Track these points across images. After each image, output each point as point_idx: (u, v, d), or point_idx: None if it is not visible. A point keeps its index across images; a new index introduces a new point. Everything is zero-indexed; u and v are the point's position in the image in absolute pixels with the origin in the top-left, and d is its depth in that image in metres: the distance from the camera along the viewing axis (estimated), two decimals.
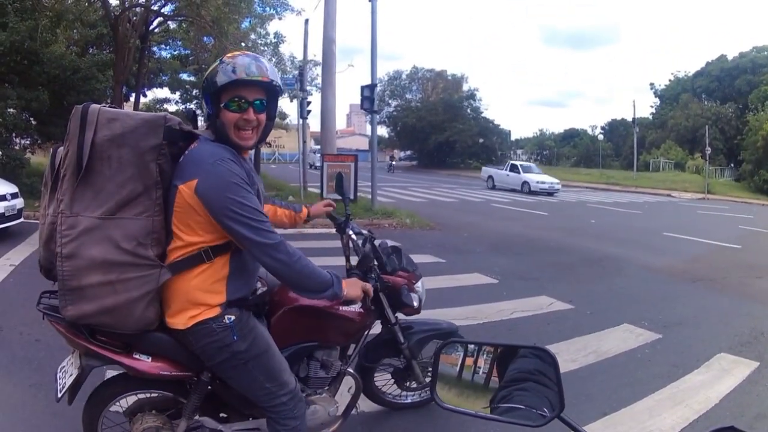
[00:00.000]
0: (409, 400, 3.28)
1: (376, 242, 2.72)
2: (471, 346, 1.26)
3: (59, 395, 2.11)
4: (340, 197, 2.98)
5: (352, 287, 2.18)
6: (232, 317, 1.98)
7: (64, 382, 2.11)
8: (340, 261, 2.75)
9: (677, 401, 3.59)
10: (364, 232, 2.80)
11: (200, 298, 1.95)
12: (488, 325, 4.97)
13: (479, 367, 1.21)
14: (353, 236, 2.75)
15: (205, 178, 1.81)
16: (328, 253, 2.05)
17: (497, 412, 1.12)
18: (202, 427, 2.29)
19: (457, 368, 1.24)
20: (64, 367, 2.19)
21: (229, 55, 1.96)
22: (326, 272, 2.06)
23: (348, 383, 2.70)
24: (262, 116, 1.98)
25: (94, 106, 1.85)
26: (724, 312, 5.97)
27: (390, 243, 2.86)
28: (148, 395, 2.31)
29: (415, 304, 2.70)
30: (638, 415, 3.38)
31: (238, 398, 2.22)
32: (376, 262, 2.61)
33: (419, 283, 2.76)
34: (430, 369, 3.08)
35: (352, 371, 2.70)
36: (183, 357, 2.06)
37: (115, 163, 1.83)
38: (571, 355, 4.30)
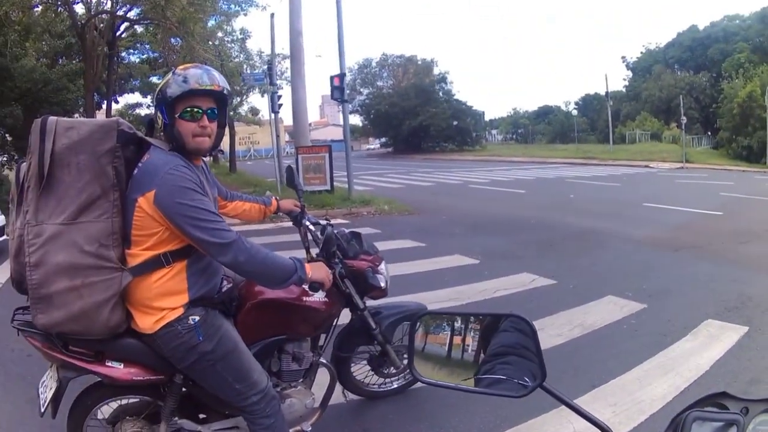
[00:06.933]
0: (395, 386, 3.26)
1: (335, 230, 2.73)
2: (458, 323, 1.23)
3: (42, 410, 2.14)
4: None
5: (317, 269, 2.22)
6: (197, 317, 2.03)
7: (46, 396, 2.15)
8: (301, 254, 2.66)
9: (667, 370, 3.56)
10: (321, 221, 2.83)
11: (163, 301, 2.00)
12: (471, 306, 4.90)
13: (468, 345, 1.19)
14: (311, 227, 2.81)
15: (161, 186, 1.87)
16: (289, 246, 1.96)
17: (480, 384, 1.11)
18: (182, 429, 2.35)
19: (446, 347, 1.21)
20: (44, 381, 2.23)
21: (180, 67, 2.06)
22: (287, 258, 2.10)
23: (323, 374, 2.70)
24: (214, 124, 2.06)
25: (52, 118, 1.93)
26: (709, 279, 5.93)
27: (348, 230, 2.89)
28: (127, 401, 2.36)
29: (383, 284, 2.70)
30: (628, 386, 3.35)
31: (213, 398, 2.24)
32: (337, 247, 2.61)
33: (382, 265, 2.75)
34: (406, 352, 2.99)
35: (325, 362, 2.72)
36: (154, 361, 2.09)
37: (74, 170, 1.89)
38: (556, 329, 4.23)
